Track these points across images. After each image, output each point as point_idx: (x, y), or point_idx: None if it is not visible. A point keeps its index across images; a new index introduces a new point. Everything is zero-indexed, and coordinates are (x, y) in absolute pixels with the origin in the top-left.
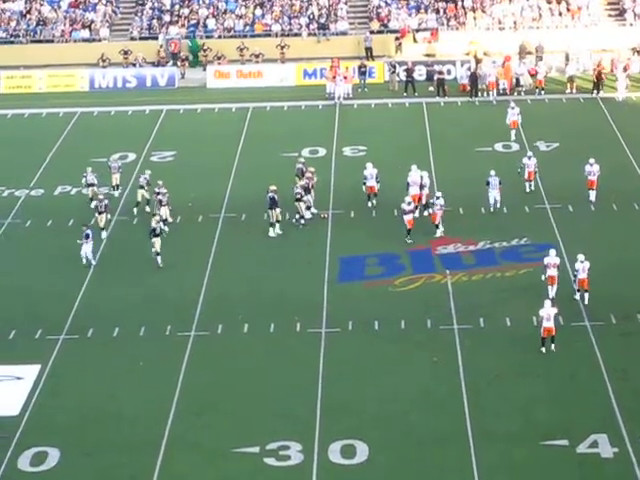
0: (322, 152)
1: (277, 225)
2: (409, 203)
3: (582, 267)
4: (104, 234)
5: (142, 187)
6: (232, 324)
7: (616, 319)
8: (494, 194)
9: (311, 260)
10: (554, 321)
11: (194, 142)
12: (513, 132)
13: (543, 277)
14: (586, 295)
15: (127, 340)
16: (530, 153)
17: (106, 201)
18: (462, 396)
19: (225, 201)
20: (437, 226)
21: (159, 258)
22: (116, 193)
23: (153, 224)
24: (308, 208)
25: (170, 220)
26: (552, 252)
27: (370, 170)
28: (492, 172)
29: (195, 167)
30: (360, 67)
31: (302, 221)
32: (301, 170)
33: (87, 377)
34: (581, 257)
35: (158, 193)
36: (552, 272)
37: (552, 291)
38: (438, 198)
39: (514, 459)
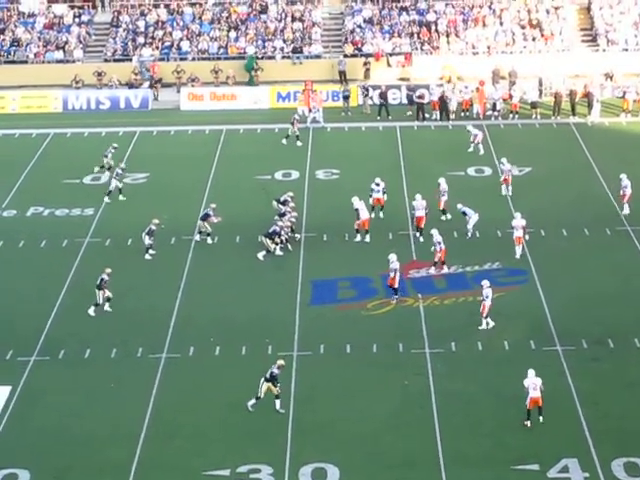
0: (295, 175)
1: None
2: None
3: (533, 384)
4: (107, 307)
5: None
6: (204, 346)
7: (587, 344)
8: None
9: (283, 283)
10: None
11: (167, 164)
12: (473, 145)
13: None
14: (540, 418)
15: (98, 361)
16: (504, 159)
17: (104, 276)
18: (433, 419)
19: (197, 223)
20: (443, 262)
21: None
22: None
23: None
24: (282, 242)
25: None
26: (518, 215)
27: (419, 201)
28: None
29: (168, 189)
30: (344, 91)
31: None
32: (285, 200)
33: (58, 399)
34: (531, 372)
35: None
36: (519, 233)
37: (519, 250)
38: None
39: None
